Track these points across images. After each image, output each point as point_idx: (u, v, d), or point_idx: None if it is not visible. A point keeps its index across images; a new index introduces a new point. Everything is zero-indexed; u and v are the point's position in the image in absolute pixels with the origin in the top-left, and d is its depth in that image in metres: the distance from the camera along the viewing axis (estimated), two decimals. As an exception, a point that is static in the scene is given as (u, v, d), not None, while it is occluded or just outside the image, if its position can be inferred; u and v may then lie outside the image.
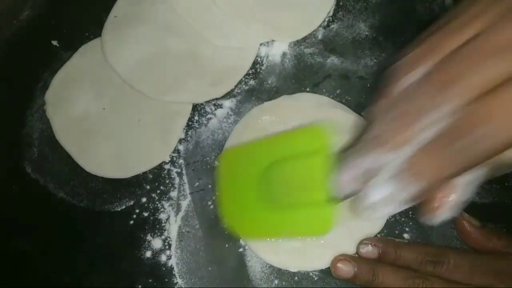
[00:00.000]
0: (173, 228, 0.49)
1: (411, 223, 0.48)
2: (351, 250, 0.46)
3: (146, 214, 0.50)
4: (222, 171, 0.47)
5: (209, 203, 0.50)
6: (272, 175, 0.40)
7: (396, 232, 0.48)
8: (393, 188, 0.28)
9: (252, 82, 0.55)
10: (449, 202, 0.29)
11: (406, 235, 0.47)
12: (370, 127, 0.29)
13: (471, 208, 0.47)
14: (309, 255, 0.47)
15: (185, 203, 0.50)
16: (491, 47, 0.24)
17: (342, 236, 0.47)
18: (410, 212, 0.48)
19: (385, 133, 0.28)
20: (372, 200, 0.29)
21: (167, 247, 0.49)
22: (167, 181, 0.51)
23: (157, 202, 0.50)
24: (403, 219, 0.48)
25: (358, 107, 0.53)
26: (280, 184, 0.39)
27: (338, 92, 0.53)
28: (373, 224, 0.47)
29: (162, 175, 0.51)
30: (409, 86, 0.28)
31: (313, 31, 0.56)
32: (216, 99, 0.54)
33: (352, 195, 0.31)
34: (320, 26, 0.56)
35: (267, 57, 0.55)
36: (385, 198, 0.28)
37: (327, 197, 0.33)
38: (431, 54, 0.27)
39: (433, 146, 0.26)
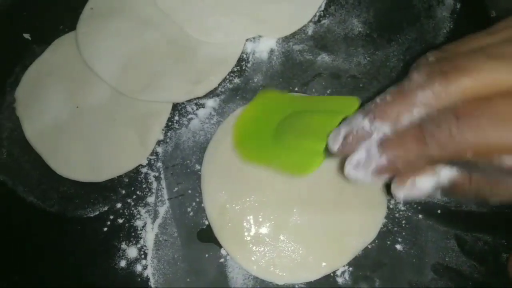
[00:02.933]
0: (149, 236, 0.47)
1: (404, 233, 0.45)
2: (339, 262, 0.44)
3: (121, 221, 0.47)
4: (256, 101, 0.48)
5: (189, 209, 0.47)
6: (292, 119, 0.42)
7: (388, 242, 0.45)
8: (370, 152, 0.30)
9: (237, 80, 0.51)
10: (418, 182, 0.30)
11: (398, 246, 0.45)
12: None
13: (468, 217, 0.45)
14: (296, 267, 0.44)
15: (163, 210, 0.47)
16: (496, 54, 0.27)
17: (331, 249, 0.44)
18: (403, 222, 0.45)
19: (382, 103, 0.30)
20: (352, 160, 0.31)
21: (142, 256, 0.46)
22: (144, 186, 0.48)
23: (132, 208, 0.47)
24: (395, 229, 0.45)
25: (350, 108, 0.50)
26: (294, 127, 0.41)
27: (328, 92, 0.50)
28: (364, 236, 0.45)
29: (139, 179, 0.49)
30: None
31: (303, 26, 0.53)
32: (198, 98, 0.51)
33: (342, 153, 0.32)
34: (310, 21, 0.53)
35: (254, 54, 0.52)
36: (363, 161, 0.30)
37: (323, 149, 0.35)
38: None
39: (417, 127, 0.28)
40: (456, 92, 0.26)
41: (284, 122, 0.43)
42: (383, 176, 0.30)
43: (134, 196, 0.48)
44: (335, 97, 0.49)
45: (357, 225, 0.45)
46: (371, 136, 0.30)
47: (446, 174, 0.29)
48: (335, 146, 0.32)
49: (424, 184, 0.30)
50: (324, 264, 0.44)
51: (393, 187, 0.31)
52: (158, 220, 0.47)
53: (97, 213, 0.48)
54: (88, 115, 0.50)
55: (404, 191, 0.30)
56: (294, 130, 0.41)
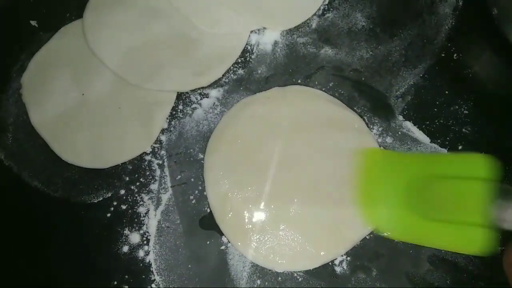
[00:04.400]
0: (152, 223, 0.47)
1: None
2: (338, 252, 0.45)
3: (124, 207, 0.48)
4: (366, 167, 0.47)
5: (191, 197, 0.48)
6: (424, 188, 0.42)
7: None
8: None
9: (241, 71, 0.52)
10: None
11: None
12: None
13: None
14: (295, 255, 0.45)
15: (165, 197, 0.48)
16: None
17: (330, 239, 0.45)
18: (401, 214, 0.46)
19: None
20: None
21: (145, 242, 0.47)
22: (148, 173, 0.49)
23: (136, 195, 0.48)
24: (393, 220, 0.46)
25: (352, 102, 0.50)
26: (432, 198, 0.41)
27: (331, 85, 0.51)
28: (363, 227, 0.45)
29: (143, 166, 0.49)
30: None
31: (307, 19, 0.53)
32: (202, 88, 0.51)
33: None
34: (314, 14, 0.53)
35: (258, 46, 0.53)
36: None
37: (482, 221, 0.36)
38: None
39: None
40: None
41: (414, 188, 0.43)
42: None
43: (138, 183, 0.49)
44: (456, 156, 0.47)
45: (356, 216, 0.46)
46: None
47: None
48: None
49: None
50: (322, 253, 0.45)
51: None
52: (161, 207, 0.48)
53: (100, 199, 0.48)
54: (93, 102, 0.50)
55: None
56: (433, 200, 0.41)
